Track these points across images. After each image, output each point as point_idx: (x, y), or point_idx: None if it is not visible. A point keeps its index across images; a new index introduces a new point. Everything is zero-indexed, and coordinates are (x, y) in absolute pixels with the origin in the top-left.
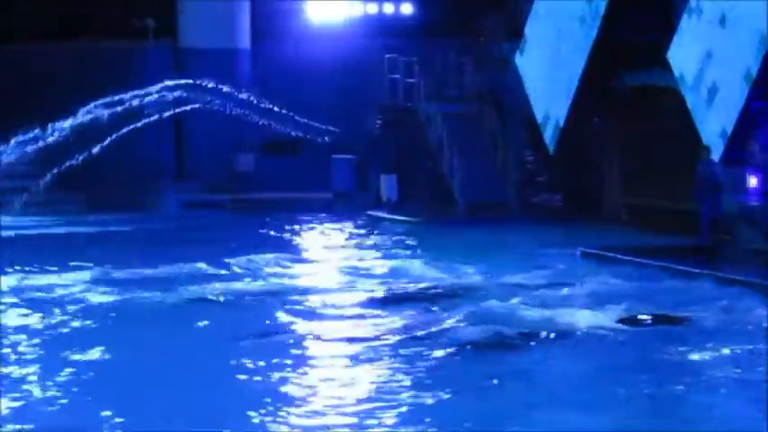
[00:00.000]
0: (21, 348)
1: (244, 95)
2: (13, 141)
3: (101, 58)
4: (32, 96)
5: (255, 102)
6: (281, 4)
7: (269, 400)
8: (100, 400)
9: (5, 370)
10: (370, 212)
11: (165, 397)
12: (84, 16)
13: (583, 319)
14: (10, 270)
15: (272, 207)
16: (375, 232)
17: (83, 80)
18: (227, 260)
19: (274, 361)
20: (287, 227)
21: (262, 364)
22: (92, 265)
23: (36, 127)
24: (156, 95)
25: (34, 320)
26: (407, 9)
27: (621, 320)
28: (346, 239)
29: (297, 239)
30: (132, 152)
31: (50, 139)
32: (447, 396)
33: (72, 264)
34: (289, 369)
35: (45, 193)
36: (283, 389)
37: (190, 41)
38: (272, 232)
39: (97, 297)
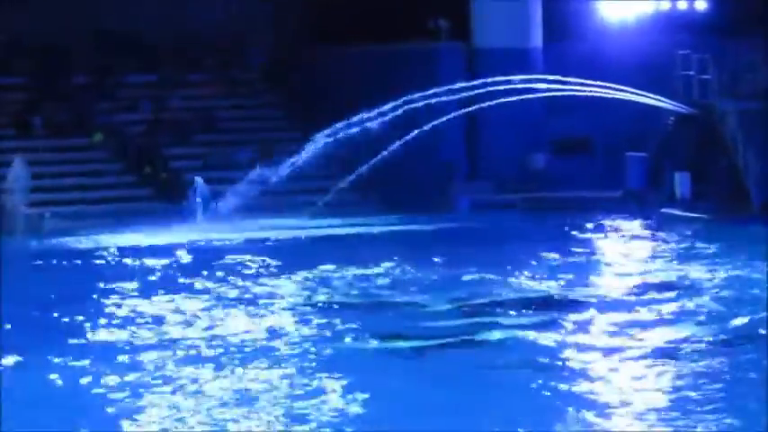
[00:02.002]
0: None
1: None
2: (317, 140)
3: (396, 59)
4: (336, 96)
5: (546, 101)
6: (574, 3)
7: None
8: None
9: None
10: (663, 210)
11: None
12: (384, 18)
13: None
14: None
15: (563, 206)
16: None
17: (380, 81)
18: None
19: None
20: (587, 227)
21: None
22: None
23: (336, 127)
24: (448, 95)
25: None
26: (701, 5)
27: None
28: (657, 244)
29: (603, 242)
30: (424, 153)
31: (347, 138)
32: None
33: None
34: None
35: (340, 193)
36: None
37: (482, 41)
38: (573, 232)
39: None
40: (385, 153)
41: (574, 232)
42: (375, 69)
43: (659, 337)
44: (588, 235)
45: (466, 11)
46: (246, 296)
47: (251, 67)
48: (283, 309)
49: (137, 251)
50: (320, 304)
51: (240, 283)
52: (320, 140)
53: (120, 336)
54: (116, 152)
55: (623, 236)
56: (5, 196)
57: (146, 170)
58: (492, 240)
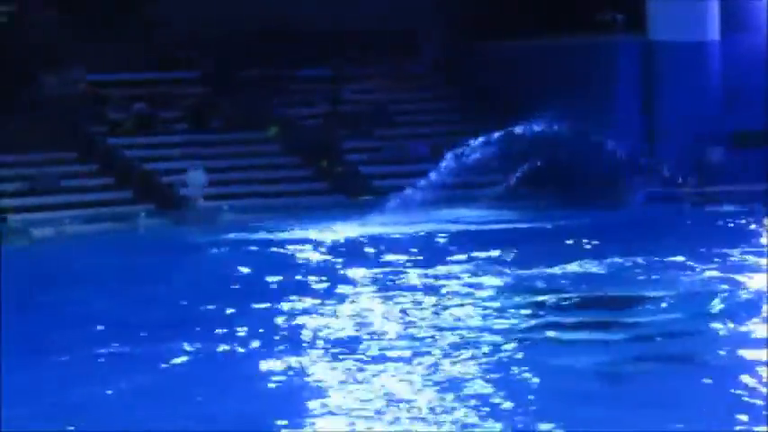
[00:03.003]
0: None
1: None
2: (495, 136)
3: (570, 53)
4: (508, 91)
5: (723, 94)
6: None
7: None
8: None
9: None
10: None
11: None
12: (555, 11)
13: None
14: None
15: (739, 200)
16: None
17: (553, 76)
18: None
19: None
20: (762, 222)
21: None
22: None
23: (512, 123)
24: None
25: None
26: None
27: None
28: None
29: None
30: (598, 146)
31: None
32: None
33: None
34: None
35: (513, 187)
36: None
37: (659, 34)
38: (746, 227)
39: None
40: (557, 147)
41: (747, 226)
42: (548, 64)
43: None
44: (760, 229)
45: (639, 2)
46: (405, 287)
47: (424, 61)
48: (438, 303)
49: (310, 244)
50: (472, 298)
51: (399, 276)
52: (496, 135)
53: (287, 328)
54: (291, 146)
55: None
56: (183, 190)
57: (321, 164)
58: (660, 235)
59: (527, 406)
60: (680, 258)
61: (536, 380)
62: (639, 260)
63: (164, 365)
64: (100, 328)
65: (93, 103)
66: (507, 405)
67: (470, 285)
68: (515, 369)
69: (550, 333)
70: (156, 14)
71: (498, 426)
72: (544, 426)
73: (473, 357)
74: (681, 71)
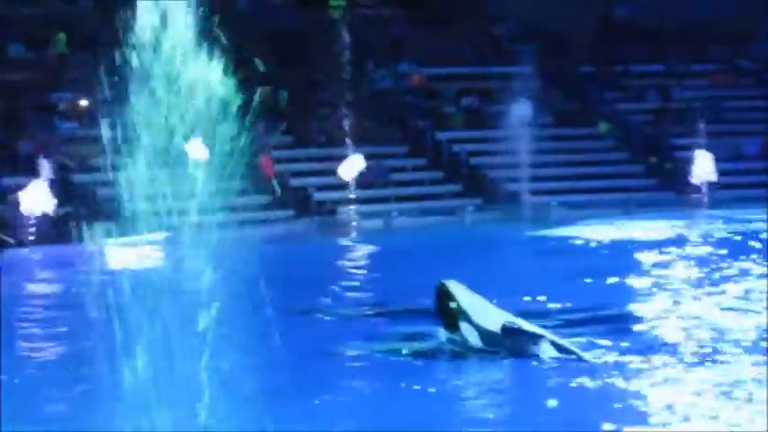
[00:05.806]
0: None
1: None
2: None
3: None
4: None
5: None
6: None
7: None
8: None
9: None
10: None
11: None
12: None
13: None
14: None
15: None
16: None
17: None
18: None
19: None
20: None
21: None
22: None
23: None
24: None
25: None
26: None
27: None
28: None
29: None
30: None
31: None
32: None
33: None
34: None
35: None
36: None
37: None
38: None
39: None
40: None
41: None
42: None
43: None
44: None
45: None
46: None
47: (758, 57)
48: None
49: (635, 242)
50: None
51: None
52: None
53: (628, 330)
54: (622, 142)
55: None
56: (510, 184)
57: (651, 160)
58: None
59: None
60: None
61: None
62: None
63: None
64: None
65: (425, 97)
66: None
67: None
68: None
69: None
70: (496, 9)
71: None
72: None
73: None
74: None
